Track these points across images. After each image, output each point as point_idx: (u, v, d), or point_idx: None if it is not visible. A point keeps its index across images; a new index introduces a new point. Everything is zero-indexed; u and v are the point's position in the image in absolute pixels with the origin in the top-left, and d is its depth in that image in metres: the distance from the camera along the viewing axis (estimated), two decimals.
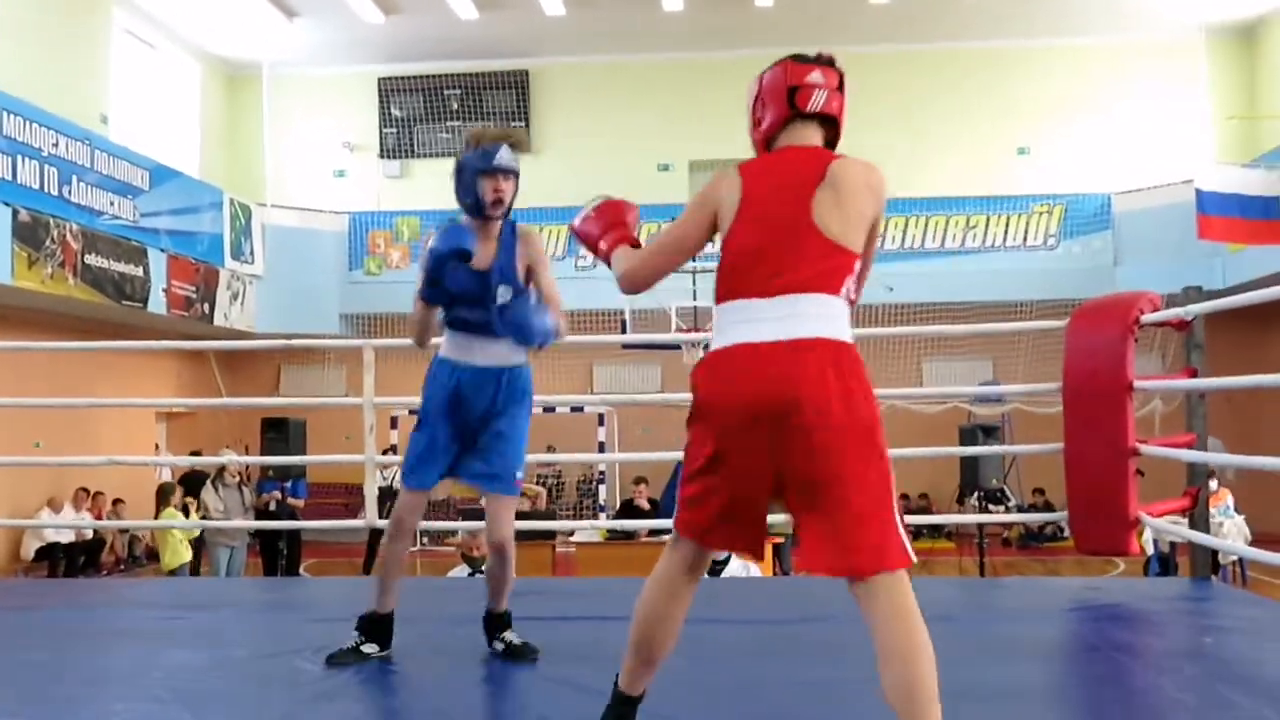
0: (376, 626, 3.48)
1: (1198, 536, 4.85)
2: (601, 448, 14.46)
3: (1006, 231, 16.22)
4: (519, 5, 16.02)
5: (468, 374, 3.36)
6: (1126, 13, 16.38)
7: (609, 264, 2.70)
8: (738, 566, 6.61)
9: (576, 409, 14.87)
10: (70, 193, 11.72)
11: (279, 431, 7.90)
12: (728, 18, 16.47)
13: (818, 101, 2.55)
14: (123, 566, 13.64)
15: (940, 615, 3.90)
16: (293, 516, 9.83)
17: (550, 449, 14.79)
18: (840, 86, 2.60)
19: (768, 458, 2.28)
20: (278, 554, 9.62)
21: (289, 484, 9.98)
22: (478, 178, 3.38)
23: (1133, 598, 4.74)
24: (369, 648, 3.45)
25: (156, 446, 15.97)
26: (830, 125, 2.61)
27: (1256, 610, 4.50)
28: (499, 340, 3.31)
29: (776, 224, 2.41)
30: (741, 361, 2.33)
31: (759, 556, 2.64)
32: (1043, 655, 3.68)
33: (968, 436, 6.85)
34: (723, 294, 2.42)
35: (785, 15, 16.38)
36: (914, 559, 2.27)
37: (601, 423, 14.86)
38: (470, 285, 3.31)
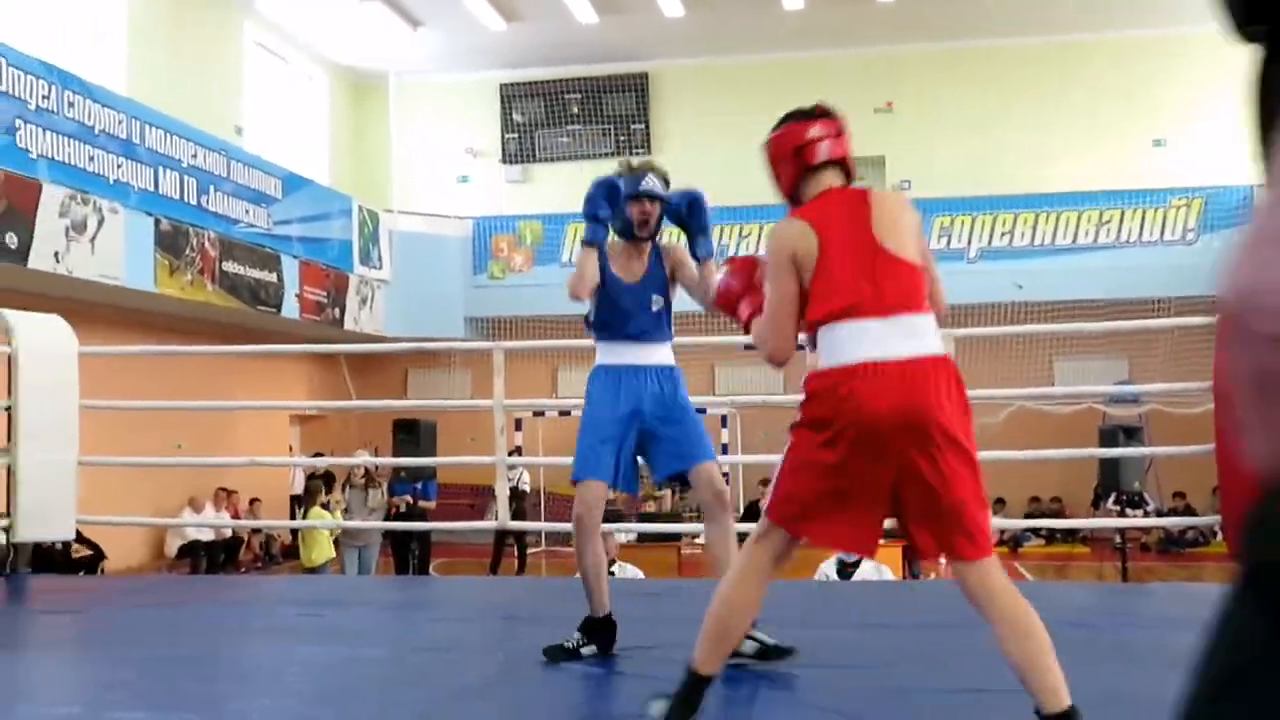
0: (598, 629, 3.60)
1: None
2: (725, 449, 14.41)
3: (1142, 226, 15.69)
4: (638, 8, 16.06)
5: (629, 373, 3.59)
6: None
7: (747, 329, 2.93)
8: (870, 569, 6.50)
9: (700, 410, 14.79)
10: (208, 202, 12.12)
11: (410, 434, 8.03)
12: (849, 14, 16.28)
13: (823, 153, 2.75)
14: (260, 564, 14.05)
15: (1079, 622, 3.77)
16: (423, 518, 9.99)
17: None
18: (840, 132, 2.82)
19: (895, 464, 2.48)
20: (409, 554, 9.79)
21: (419, 486, 10.16)
22: (627, 203, 3.68)
23: None
24: (588, 650, 3.57)
25: (290, 448, 16.41)
26: (843, 167, 2.83)
27: None
28: (655, 346, 3.63)
29: (860, 253, 2.60)
30: (878, 377, 2.49)
31: (871, 552, 2.80)
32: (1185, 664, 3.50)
33: (1108, 438, 6.60)
34: (825, 318, 2.57)
35: (908, 11, 16.13)
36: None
37: (725, 424, 14.82)
38: (626, 298, 3.63)
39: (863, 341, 2.51)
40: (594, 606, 3.56)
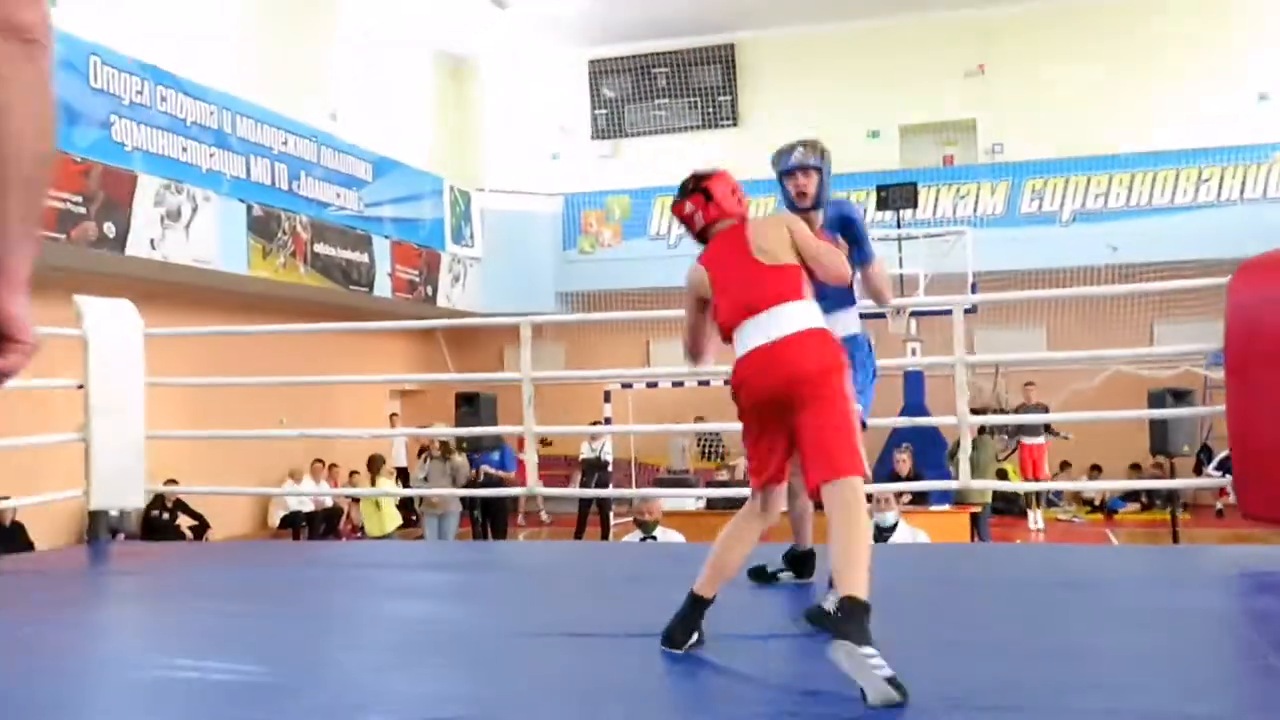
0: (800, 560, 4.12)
1: None
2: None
3: (1244, 184, 15.22)
4: None
5: None
6: None
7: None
8: (906, 534, 6.60)
9: (704, 382, 14.89)
10: (299, 187, 12.63)
11: (470, 405, 8.36)
12: None
13: (699, 222, 3.51)
14: (359, 534, 14.64)
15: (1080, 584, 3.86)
16: (500, 487, 10.37)
17: (699, 419, 14.83)
18: (710, 198, 3.47)
19: (779, 418, 3.17)
20: (485, 522, 10.18)
21: (495, 455, 10.54)
22: (783, 181, 3.99)
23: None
24: (785, 575, 4.12)
25: (393, 419, 16.92)
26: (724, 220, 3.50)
27: None
28: (835, 315, 3.66)
29: (742, 271, 3.35)
30: (757, 358, 3.20)
31: (781, 480, 3.33)
32: (1164, 624, 3.58)
33: (1156, 400, 6.57)
34: (731, 325, 3.32)
35: None
36: (867, 471, 3.15)
37: None
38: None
39: (753, 334, 3.22)
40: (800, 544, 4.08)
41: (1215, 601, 3.90)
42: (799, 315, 3.22)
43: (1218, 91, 16.28)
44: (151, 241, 10.25)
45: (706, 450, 17.40)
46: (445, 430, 9.38)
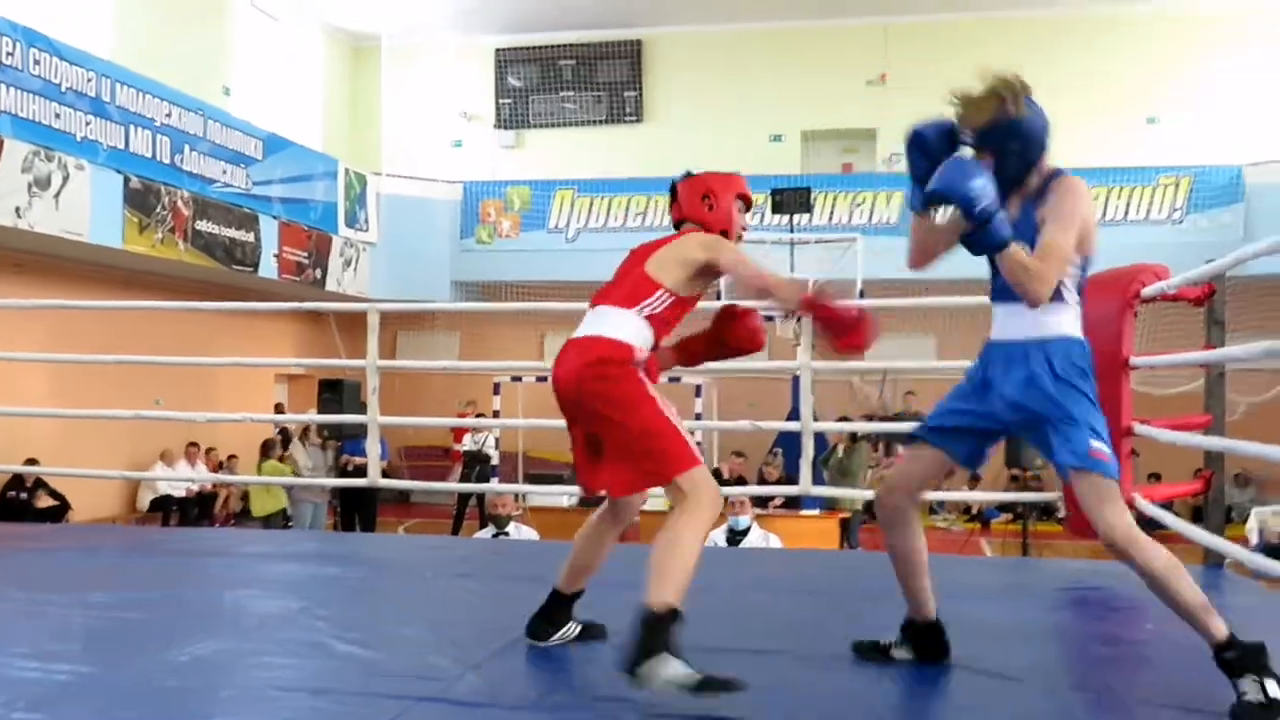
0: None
1: (1191, 529, 4.67)
2: (699, 417, 14.52)
3: (1129, 206, 15.62)
4: None
5: (996, 349, 3.00)
6: None
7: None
8: (758, 537, 6.63)
9: (674, 379, 14.94)
10: (182, 161, 12.31)
11: (334, 392, 8.22)
12: None
13: (672, 218, 3.39)
14: (234, 520, 14.34)
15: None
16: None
17: None
18: (675, 198, 3.36)
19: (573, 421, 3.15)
20: (353, 513, 10.03)
21: (364, 444, 10.39)
22: None
23: (1123, 581, 4.60)
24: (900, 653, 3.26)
25: (279, 406, 16.62)
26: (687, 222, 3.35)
27: (1254, 601, 4.31)
28: (1026, 307, 2.87)
29: (624, 268, 3.29)
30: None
31: (589, 491, 3.27)
32: (984, 635, 3.62)
33: None
34: None
35: None
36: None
37: (699, 394, 14.91)
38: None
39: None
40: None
41: (1020, 614, 3.95)
42: (611, 320, 3.13)
43: (1109, 113, 16.67)
44: (17, 209, 9.90)
45: None
46: (305, 417, 9.19)
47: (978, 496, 12.46)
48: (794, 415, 12.95)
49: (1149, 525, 4.74)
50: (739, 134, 17.74)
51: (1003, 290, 2.91)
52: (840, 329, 3.01)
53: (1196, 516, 5.03)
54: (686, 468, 2.91)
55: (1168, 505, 5.09)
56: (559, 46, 18.64)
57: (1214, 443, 4.56)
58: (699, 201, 3.27)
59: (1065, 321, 2.88)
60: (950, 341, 15.45)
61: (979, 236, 2.77)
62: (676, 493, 2.89)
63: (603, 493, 3.24)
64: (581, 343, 3.12)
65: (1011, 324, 2.94)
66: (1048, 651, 3.53)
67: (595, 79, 18.63)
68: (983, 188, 2.74)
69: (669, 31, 18.31)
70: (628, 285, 3.18)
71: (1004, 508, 14.25)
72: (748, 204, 3.38)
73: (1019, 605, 4.10)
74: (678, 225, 3.33)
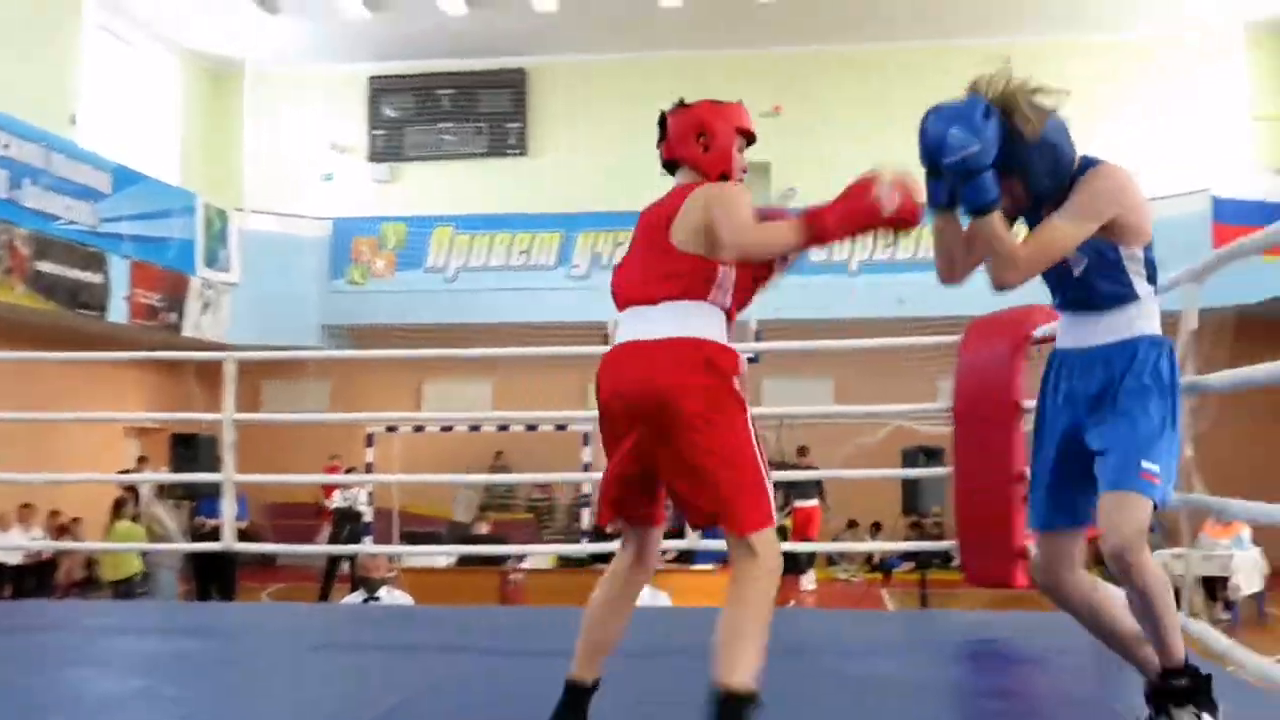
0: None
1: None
2: (586, 468, 14.51)
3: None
4: (509, 1, 16.17)
5: (1068, 359, 2.88)
6: (1152, 6, 16.25)
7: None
8: (646, 595, 6.63)
9: (560, 427, 14.92)
10: (21, 196, 11.99)
11: (188, 448, 8.04)
12: (729, 13, 16.54)
13: (661, 156, 3.07)
14: (77, 590, 13.85)
15: (797, 649, 3.94)
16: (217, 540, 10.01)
17: (497, 457, 14.83)
18: (664, 133, 3.07)
19: (630, 439, 2.84)
20: (209, 579, 9.80)
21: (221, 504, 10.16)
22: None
23: (1019, 633, 4.72)
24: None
25: (142, 459, 16.09)
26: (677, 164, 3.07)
27: None
28: (1092, 311, 2.81)
29: (644, 248, 2.95)
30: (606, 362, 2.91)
31: (655, 523, 3.00)
32: (873, 691, 3.68)
33: (909, 459, 6.84)
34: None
35: (789, 11, 16.40)
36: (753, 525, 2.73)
37: (586, 442, 14.90)
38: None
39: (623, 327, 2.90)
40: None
41: (917, 669, 4.03)
42: (673, 318, 2.81)
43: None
44: None
45: (500, 501, 17.31)
46: (154, 476, 8.97)
47: (876, 547, 12.65)
48: None
49: None
50: (629, 167, 17.81)
51: (1072, 300, 2.83)
52: (880, 222, 2.84)
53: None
54: (764, 525, 2.72)
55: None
56: (437, 75, 18.65)
57: None
58: (692, 140, 2.99)
59: (1140, 320, 2.76)
60: (848, 383, 15.71)
61: (961, 192, 2.69)
62: (746, 551, 2.69)
63: (612, 529, 3.01)
64: (674, 345, 2.77)
65: (1084, 330, 2.82)
66: (941, 708, 3.59)
67: (476, 109, 18.66)
68: (963, 136, 2.64)
69: (555, 60, 18.42)
70: (684, 267, 2.84)
71: (905, 556, 14.49)
72: (750, 139, 3.11)
73: (916, 660, 4.18)
74: (668, 166, 3.05)
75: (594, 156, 18.13)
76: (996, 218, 2.66)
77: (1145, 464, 2.61)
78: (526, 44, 17.89)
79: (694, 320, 2.80)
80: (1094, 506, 2.70)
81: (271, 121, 18.42)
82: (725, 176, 3.00)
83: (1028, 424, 5.05)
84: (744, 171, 3.09)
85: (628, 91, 18.24)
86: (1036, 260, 2.70)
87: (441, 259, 17.00)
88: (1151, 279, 2.80)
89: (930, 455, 6.87)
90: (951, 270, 2.87)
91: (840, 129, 17.46)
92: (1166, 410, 2.70)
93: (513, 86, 18.65)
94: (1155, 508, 2.61)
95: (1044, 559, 2.88)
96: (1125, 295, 2.76)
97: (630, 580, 2.94)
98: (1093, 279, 2.76)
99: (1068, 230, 2.67)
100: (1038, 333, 4.85)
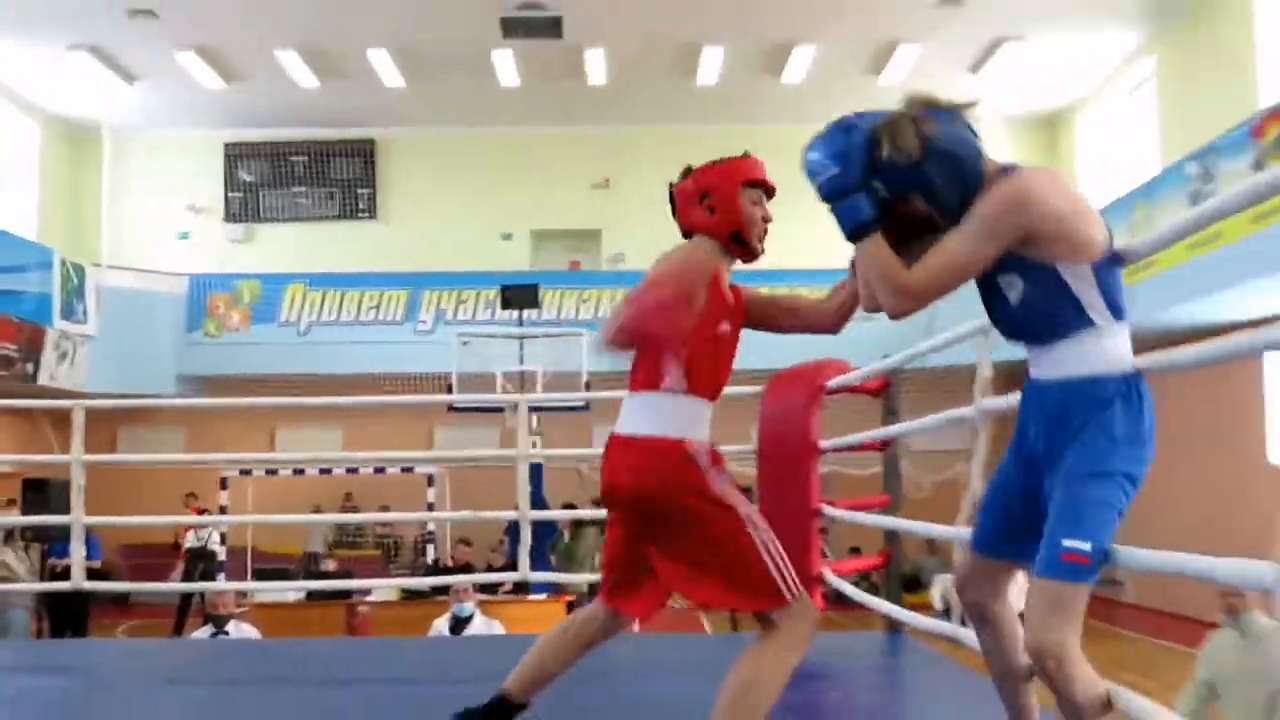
0: None
1: (873, 601, 4.92)
2: (431, 508, 14.32)
3: None
4: (359, 76, 15.99)
5: (1032, 390, 2.39)
6: None
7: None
8: (481, 624, 6.56)
9: (407, 469, 14.70)
10: None
11: (40, 493, 7.63)
12: (563, 94, 16.68)
13: (681, 230, 2.87)
14: None
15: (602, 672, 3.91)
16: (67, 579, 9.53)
17: (384, 508, 14.66)
18: (674, 206, 2.88)
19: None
20: (66, 617, 9.30)
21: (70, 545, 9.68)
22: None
23: (815, 652, 4.79)
24: None
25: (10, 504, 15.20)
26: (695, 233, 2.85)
27: (925, 661, 4.56)
28: (1038, 343, 2.33)
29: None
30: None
31: (645, 616, 2.87)
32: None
33: None
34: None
35: (613, 94, 16.63)
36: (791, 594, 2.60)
37: (431, 484, 14.70)
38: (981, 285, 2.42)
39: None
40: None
41: (701, 689, 4.05)
42: (639, 412, 2.68)
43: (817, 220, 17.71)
44: None
45: (350, 539, 16.87)
46: (4, 519, 8.49)
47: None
48: (536, 503, 12.94)
49: (838, 599, 4.99)
50: (471, 232, 17.86)
51: (1014, 330, 2.37)
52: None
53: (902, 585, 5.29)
54: (775, 604, 2.58)
55: (864, 577, 5.34)
56: (292, 143, 18.29)
57: (886, 521, 4.86)
58: (697, 205, 2.75)
59: (1095, 353, 2.23)
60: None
61: (835, 217, 2.33)
62: (769, 625, 2.59)
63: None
64: (643, 445, 2.64)
65: (1040, 362, 2.34)
66: None
67: (329, 175, 18.35)
68: (820, 159, 2.33)
69: (402, 132, 18.28)
70: (640, 350, 2.68)
71: None
72: (768, 191, 2.79)
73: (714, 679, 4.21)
74: (687, 237, 2.81)
75: (439, 220, 18.03)
76: (873, 242, 2.28)
77: (1070, 543, 2.13)
78: (376, 116, 17.71)
79: (654, 416, 2.64)
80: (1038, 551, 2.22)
81: (130, 183, 17.80)
82: (739, 235, 2.74)
83: (823, 465, 5.21)
84: (766, 221, 2.79)
85: (470, 162, 18.24)
86: (929, 286, 2.24)
87: (294, 314, 16.60)
88: (1113, 302, 2.24)
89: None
90: (871, 299, 2.40)
91: (663, 199, 17.65)
92: (1116, 469, 2.17)
93: (363, 155, 18.43)
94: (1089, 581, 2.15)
95: (970, 578, 2.52)
96: (1074, 324, 2.23)
97: (593, 636, 2.82)
98: (1034, 304, 2.26)
99: (960, 250, 2.23)
100: (831, 384, 4.99)
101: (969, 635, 3.87)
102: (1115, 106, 16.07)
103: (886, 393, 5.15)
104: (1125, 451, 2.18)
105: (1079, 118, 17.29)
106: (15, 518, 7.60)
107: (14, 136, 16.69)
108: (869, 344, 14.68)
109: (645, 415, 2.65)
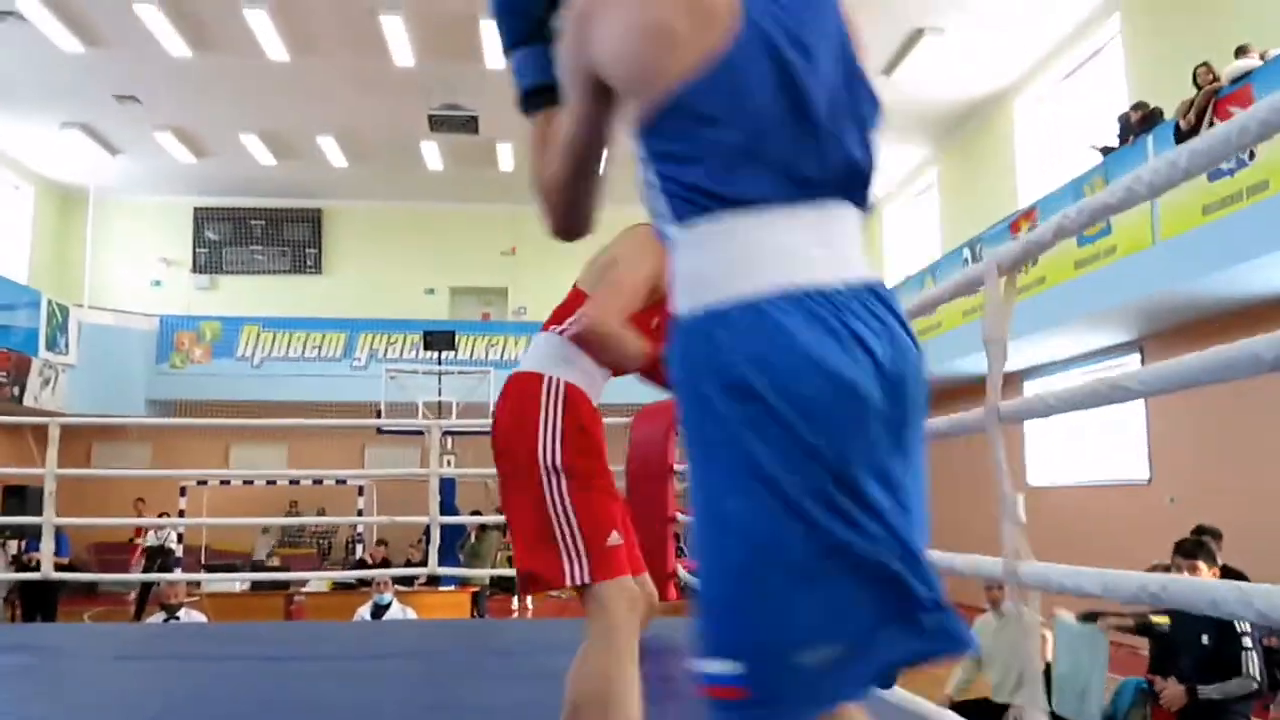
0: None
1: None
2: (360, 513, 14.07)
3: None
4: (309, 156, 15.73)
5: None
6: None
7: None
8: (397, 610, 6.44)
9: (340, 481, 14.41)
10: None
11: (18, 498, 7.27)
12: (478, 177, 16.66)
13: None
14: None
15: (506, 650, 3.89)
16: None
17: (321, 512, 14.24)
18: None
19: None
20: (37, 604, 8.82)
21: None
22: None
23: (665, 630, 4.85)
24: None
25: None
26: None
27: None
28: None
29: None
30: None
31: (553, 585, 1.96)
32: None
33: None
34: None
35: (524, 178, 16.63)
36: (571, 580, 1.89)
37: (361, 493, 14.43)
38: None
39: None
40: None
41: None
42: (536, 351, 2.09)
43: None
44: None
45: (291, 540, 16.34)
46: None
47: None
48: (446, 510, 12.75)
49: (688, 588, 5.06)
50: (400, 287, 17.65)
51: None
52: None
53: None
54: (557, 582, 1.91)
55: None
56: (251, 209, 17.85)
57: None
58: None
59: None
60: None
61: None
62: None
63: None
64: (515, 378, 2.07)
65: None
66: None
67: (282, 237, 17.95)
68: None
69: (344, 204, 18.01)
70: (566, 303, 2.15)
71: None
72: None
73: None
74: None
75: (373, 277, 17.79)
76: (540, 119, 1.32)
77: (705, 667, 1.00)
78: (323, 189, 17.41)
79: (537, 353, 2.09)
80: None
81: (111, 238, 17.14)
82: None
83: (679, 482, 5.29)
84: None
85: (400, 229, 18.05)
86: (542, 169, 1.30)
87: (250, 350, 16.14)
88: (692, 192, 1.05)
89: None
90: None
91: (561, 265, 17.74)
92: (722, 496, 1.03)
93: (311, 221, 18.08)
94: None
95: None
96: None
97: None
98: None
99: (565, 115, 1.21)
100: None
101: None
102: (909, 204, 16.71)
103: None
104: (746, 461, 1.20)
105: (884, 211, 17.96)
106: None
107: (12, 198, 15.95)
108: None
109: (532, 352, 2.08)
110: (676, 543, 5.04)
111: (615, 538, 1.94)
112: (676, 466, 5.05)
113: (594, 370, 2.05)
